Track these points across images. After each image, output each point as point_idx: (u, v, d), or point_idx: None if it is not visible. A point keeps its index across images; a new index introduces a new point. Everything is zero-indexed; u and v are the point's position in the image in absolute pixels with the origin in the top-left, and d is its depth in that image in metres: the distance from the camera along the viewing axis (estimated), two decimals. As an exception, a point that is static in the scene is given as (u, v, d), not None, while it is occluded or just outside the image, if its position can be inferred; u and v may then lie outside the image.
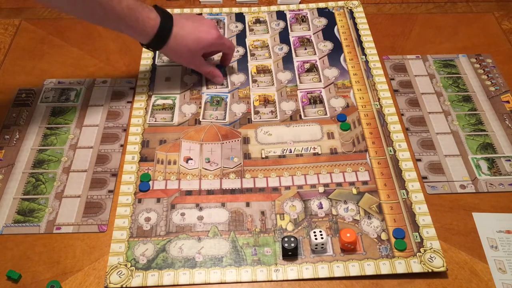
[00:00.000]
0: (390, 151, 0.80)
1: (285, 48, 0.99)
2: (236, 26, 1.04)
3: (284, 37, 1.01)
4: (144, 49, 0.98)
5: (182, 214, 0.73)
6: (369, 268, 0.66)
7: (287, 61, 0.96)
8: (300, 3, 1.09)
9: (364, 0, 1.09)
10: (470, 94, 0.89)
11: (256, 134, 0.83)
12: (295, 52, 0.98)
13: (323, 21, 1.04)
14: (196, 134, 0.83)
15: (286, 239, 0.67)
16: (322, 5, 1.08)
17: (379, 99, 0.88)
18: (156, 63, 0.96)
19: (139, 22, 0.79)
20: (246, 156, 0.80)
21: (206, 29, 0.85)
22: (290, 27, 1.03)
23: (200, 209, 0.73)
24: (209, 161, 0.79)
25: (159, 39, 0.81)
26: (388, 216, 0.72)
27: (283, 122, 0.85)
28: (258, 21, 1.05)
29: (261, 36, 1.02)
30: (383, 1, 1.09)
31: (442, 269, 0.66)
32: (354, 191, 0.75)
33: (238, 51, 0.98)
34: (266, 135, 0.83)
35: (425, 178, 0.77)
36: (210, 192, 0.76)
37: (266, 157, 0.80)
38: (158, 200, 0.74)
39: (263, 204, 0.74)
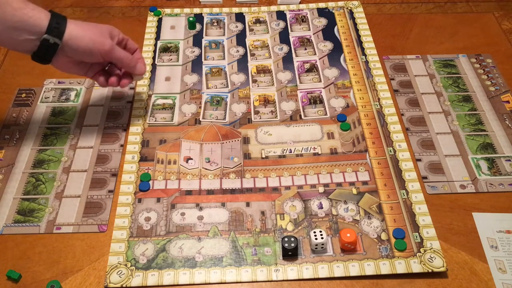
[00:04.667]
0: (390, 151, 0.80)
1: (285, 48, 0.99)
2: (236, 26, 1.04)
3: (284, 37, 1.01)
4: (144, 49, 0.98)
5: (182, 214, 0.73)
6: (369, 268, 0.66)
7: (287, 61, 0.96)
8: (300, 3, 1.09)
9: (364, 0, 1.09)
10: (470, 94, 0.90)
11: (256, 134, 0.83)
12: (295, 52, 0.98)
13: (323, 21, 1.04)
14: (196, 134, 0.83)
15: (286, 239, 0.67)
16: (322, 5, 1.08)
17: (379, 99, 0.88)
18: (156, 63, 0.96)
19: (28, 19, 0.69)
20: (246, 156, 0.80)
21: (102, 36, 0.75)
22: (290, 27, 1.03)
23: (200, 209, 0.73)
24: (209, 161, 0.79)
25: (52, 33, 0.71)
26: (388, 216, 0.72)
27: (283, 122, 0.85)
28: (258, 21, 1.05)
29: (261, 36, 1.02)
30: (383, 1, 1.09)
31: (442, 269, 0.66)
32: (354, 191, 0.75)
33: (239, 51, 0.98)
34: (266, 135, 0.83)
35: (425, 178, 0.77)
36: (210, 192, 0.76)
37: (266, 157, 0.80)
38: (158, 200, 0.74)
39: (263, 204, 0.74)
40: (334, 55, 0.97)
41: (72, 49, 0.73)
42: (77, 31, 0.73)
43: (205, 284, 0.66)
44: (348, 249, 0.68)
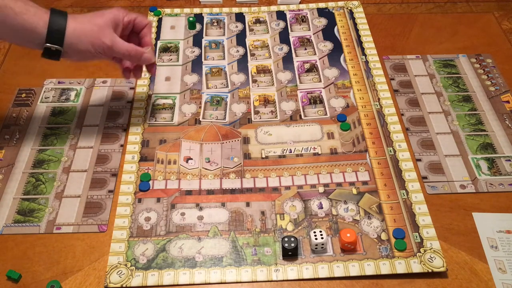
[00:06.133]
0: (390, 151, 0.80)
1: (285, 48, 0.99)
2: (236, 26, 1.04)
3: (284, 37, 1.01)
4: (144, 49, 0.98)
5: (182, 214, 0.73)
6: (369, 268, 0.66)
7: (287, 61, 0.96)
8: (300, 3, 1.09)
9: (364, 0, 1.09)
10: (470, 94, 0.90)
11: (256, 134, 0.83)
12: (295, 52, 0.98)
13: (323, 21, 1.04)
14: (196, 134, 0.83)
15: (286, 239, 0.67)
16: (322, 5, 1.08)
17: (379, 99, 0.88)
18: (156, 63, 0.96)
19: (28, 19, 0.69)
20: (246, 156, 0.80)
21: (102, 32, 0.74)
22: (290, 27, 1.03)
23: (200, 209, 0.73)
24: (209, 161, 0.79)
25: (54, 32, 0.71)
26: (388, 216, 0.72)
27: (283, 122, 0.85)
28: (258, 21, 1.05)
29: (261, 36, 1.02)
30: (383, 1, 1.09)
31: (442, 269, 0.66)
32: (354, 191, 0.75)
33: (239, 51, 0.98)
34: (266, 135, 0.83)
35: (425, 178, 0.77)
36: (210, 192, 0.76)
37: (266, 157, 0.80)
38: (158, 200, 0.74)
39: (263, 204, 0.74)
40: (334, 55, 0.97)
41: (74, 52, 0.74)
42: (76, 35, 0.72)
43: (205, 284, 0.66)
44: (348, 249, 0.68)
